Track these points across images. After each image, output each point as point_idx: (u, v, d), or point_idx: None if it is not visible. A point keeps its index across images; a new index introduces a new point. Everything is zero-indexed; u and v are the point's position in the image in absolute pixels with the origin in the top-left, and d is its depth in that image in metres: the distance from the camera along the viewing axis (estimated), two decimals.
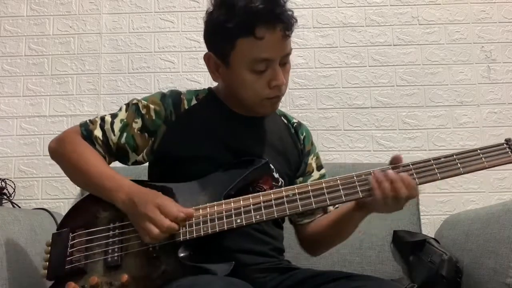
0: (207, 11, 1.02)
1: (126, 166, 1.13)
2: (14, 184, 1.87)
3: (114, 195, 0.96)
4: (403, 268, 1.59)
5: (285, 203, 0.91)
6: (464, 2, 2.05)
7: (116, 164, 1.12)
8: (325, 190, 0.92)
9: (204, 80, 1.98)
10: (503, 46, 2.01)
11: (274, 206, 0.91)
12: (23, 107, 1.97)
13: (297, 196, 0.92)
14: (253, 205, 0.92)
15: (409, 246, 1.56)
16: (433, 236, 1.62)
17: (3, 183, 1.82)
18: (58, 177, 1.88)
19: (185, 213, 0.91)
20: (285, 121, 1.22)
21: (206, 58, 1.06)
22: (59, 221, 1.40)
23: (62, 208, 1.86)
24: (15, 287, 1.12)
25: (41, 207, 1.62)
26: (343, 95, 1.99)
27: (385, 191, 0.89)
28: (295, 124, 1.22)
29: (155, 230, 0.87)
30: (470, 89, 1.98)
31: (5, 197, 1.78)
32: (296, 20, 1.00)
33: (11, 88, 1.99)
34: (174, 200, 0.95)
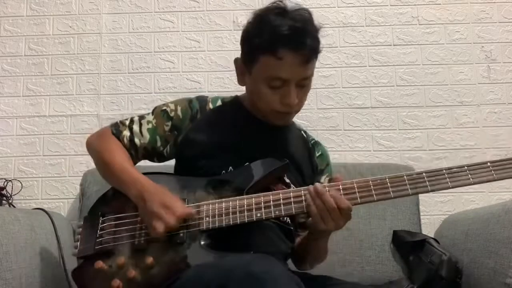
0: (248, 20, 1.10)
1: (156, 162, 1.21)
2: (14, 184, 1.87)
3: (127, 189, 1.03)
4: (402, 268, 1.59)
5: (303, 201, 0.96)
6: (464, 2, 2.05)
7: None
8: (341, 192, 0.95)
9: (204, 80, 1.98)
10: (503, 46, 2.01)
11: (292, 203, 0.97)
12: (23, 107, 1.97)
13: None
14: (273, 201, 0.98)
15: (409, 246, 1.55)
16: (433, 236, 1.62)
17: (3, 183, 1.82)
18: (58, 177, 1.87)
19: (187, 213, 0.96)
20: (305, 135, 1.28)
21: (236, 62, 1.15)
22: (56, 221, 1.42)
23: (62, 208, 1.85)
24: (15, 287, 1.11)
25: (41, 207, 1.61)
26: (343, 95, 1.99)
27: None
28: (313, 141, 1.28)
29: (161, 227, 0.93)
30: (470, 89, 1.98)
31: (5, 197, 1.78)
32: (322, 47, 1.07)
33: (11, 88, 1.98)
34: (197, 193, 1.03)
